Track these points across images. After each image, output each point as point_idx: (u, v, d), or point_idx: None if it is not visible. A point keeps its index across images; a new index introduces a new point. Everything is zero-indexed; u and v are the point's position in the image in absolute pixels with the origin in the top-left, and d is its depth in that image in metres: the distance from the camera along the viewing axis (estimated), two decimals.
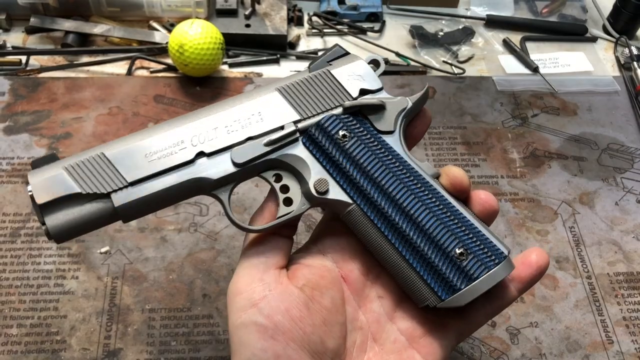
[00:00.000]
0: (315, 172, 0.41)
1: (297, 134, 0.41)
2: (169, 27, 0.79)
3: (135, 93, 0.73)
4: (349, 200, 0.40)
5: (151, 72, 0.76)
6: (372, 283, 0.43)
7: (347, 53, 0.46)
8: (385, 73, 0.78)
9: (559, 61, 0.83)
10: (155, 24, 0.79)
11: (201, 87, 0.74)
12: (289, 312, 0.38)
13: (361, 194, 0.40)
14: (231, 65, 0.77)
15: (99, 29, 0.77)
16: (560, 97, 0.78)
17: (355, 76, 0.44)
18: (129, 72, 0.75)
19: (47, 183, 0.38)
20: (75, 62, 0.75)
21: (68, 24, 0.76)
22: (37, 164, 0.40)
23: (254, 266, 0.40)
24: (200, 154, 0.40)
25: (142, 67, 0.76)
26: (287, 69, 0.78)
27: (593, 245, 0.64)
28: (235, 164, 0.40)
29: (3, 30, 0.77)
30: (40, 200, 0.38)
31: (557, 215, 0.66)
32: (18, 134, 0.68)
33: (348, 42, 0.82)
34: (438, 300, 0.39)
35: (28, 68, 0.74)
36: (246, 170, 0.41)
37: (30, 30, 0.77)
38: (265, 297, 0.38)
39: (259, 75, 0.77)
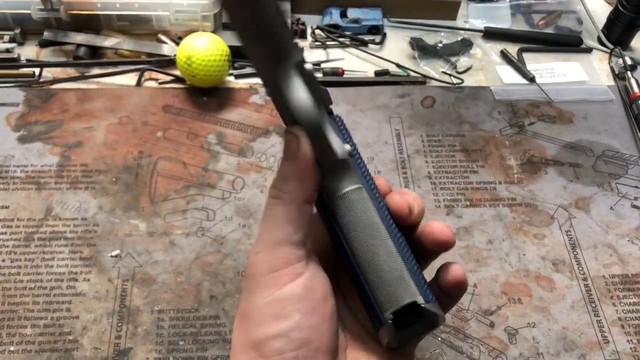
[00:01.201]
0: None
1: None
2: (177, 40, 0.81)
3: (144, 103, 0.75)
4: None
5: (160, 83, 0.78)
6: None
7: None
8: (386, 83, 0.81)
9: (555, 71, 0.85)
10: (163, 37, 0.82)
11: (208, 97, 0.77)
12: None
13: None
14: (237, 77, 0.80)
15: (109, 42, 0.80)
16: (557, 105, 0.80)
17: None
18: (139, 83, 0.78)
19: None
20: (86, 74, 0.78)
21: (80, 38, 0.79)
22: None
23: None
24: None
25: (151, 79, 0.79)
26: None
27: (589, 249, 0.66)
28: None
29: (18, 44, 0.80)
30: None
31: (553, 220, 0.68)
32: (32, 143, 0.70)
33: (350, 54, 0.85)
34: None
35: (41, 80, 0.77)
36: None
37: (44, 44, 0.80)
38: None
39: None
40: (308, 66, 0.35)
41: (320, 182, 0.36)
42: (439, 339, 0.58)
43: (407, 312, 0.35)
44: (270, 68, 0.33)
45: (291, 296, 0.34)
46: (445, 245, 0.38)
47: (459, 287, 0.38)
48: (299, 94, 0.34)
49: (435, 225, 0.38)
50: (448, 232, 0.38)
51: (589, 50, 0.89)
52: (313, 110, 0.34)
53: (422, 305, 0.35)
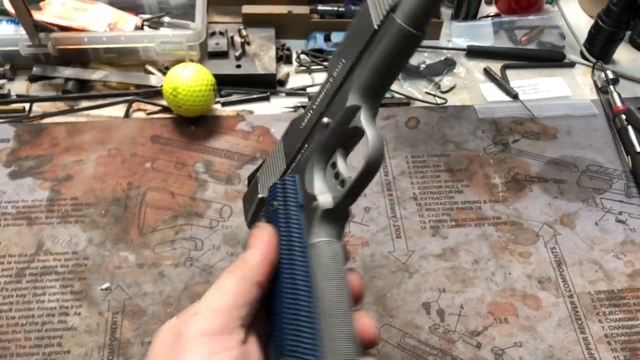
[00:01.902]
0: None
1: None
2: (164, 70, 0.83)
3: (132, 134, 0.77)
4: None
5: (148, 113, 0.80)
6: None
7: None
8: None
9: (538, 87, 0.86)
10: (150, 68, 0.84)
11: (195, 126, 0.78)
12: None
13: None
14: (224, 104, 0.81)
15: (97, 74, 0.81)
16: (540, 121, 0.81)
17: None
18: (127, 114, 0.79)
19: None
20: (75, 107, 0.79)
21: (68, 72, 0.81)
22: None
23: None
24: None
25: (139, 109, 0.80)
26: (278, 105, 0.82)
27: (574, 265, 0.67)
28: None
29: (8, 79, 0.82)
30: None
31: (538, 237, 0.69)
32: (22, 178, 0.72)
33: None
34: None
35: (31, 115, 0.78)
36: None
37: (33, 79, 0.82)
38: None
39: (251, 112, 0.81)
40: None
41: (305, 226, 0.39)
42: None
43: None
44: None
45: None
46: (366, 345, 0.38)
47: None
48: None
49: (366, 321, 0.38)
50: (372, 332, 0.38)
51: (572, 64, 0.90)
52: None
53: None
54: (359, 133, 0.39)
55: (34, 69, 0.80)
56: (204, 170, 0.73)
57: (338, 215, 0.39)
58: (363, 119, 0.37)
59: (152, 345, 0.36)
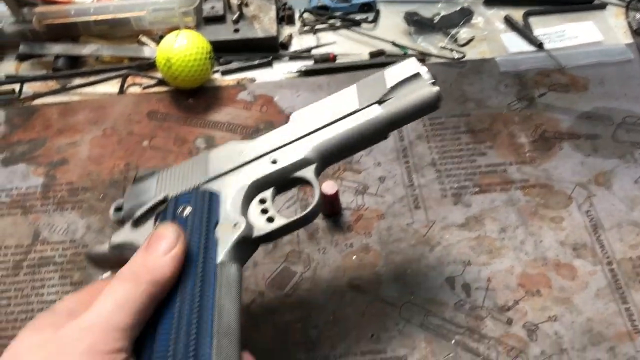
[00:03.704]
0: None
1: None
2: (159, 40, 0.77)
3: (128, 112, 0.72)
4: None
5: (143, 88, 0.75)
6: None
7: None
8: (382, 65, 0.76)
9: (565, 34, 0.78)
10: (144, 39, 0.78)
11: (194, 98, 0.73)
12: None
13: None
14: (223, 73, 0.76)
15: (88, 49, 0.76)
16: (569, 72, 0.74)
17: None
18: (121, 90, 0.74)
19: None
20: (67, 86, 0.75)
21: (57, 48, 0.76)
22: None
23: None
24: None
25: (134, 84, 0.75)
26: (281, 71, 0.76)
27: (612, 229, 0.61)
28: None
29: None
30: None
31: (571, 200, 0.63)
32: (15, 165, 0.68)
33: (342, 37, 0.80)
34: None
35: (22, 96, 0.74)
36: None
37: (22, 58, 0.77)
38: None
39: (252, 80, 0.75)
40: None
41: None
42: (452, 341, 0.54)
43: None
44: None
45: None
46: None
47: None
48: None
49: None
50: None
51: (602, 6, 0.82)
52: None
53: None
54: (299, 183, 0.44)
55: (21, 47, 0.76)
56: (205, 146, 0.69)
57: (252, 245, 0.41)
58: (313, 175, 0.43)
59: (14, 345, 0.33)
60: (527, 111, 0.70)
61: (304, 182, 0.44)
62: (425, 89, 0.45)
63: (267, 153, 0.44)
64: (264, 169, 0.43)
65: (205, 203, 0.41)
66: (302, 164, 0.43)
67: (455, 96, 0.72)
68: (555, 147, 0.67)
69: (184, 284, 0.37)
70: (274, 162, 0.43)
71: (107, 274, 0.58)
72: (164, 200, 0.42)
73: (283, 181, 0.44)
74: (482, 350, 0.54)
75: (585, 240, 0.60)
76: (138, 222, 0.41)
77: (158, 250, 0.36)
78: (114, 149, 0.69)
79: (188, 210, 0.41)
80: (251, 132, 0.69)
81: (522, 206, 0.63)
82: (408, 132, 0.69)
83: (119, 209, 0.45)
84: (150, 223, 0.41)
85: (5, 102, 0.73)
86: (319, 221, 0.62)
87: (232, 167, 0.44)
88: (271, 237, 0.42)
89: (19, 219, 0.64)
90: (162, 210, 0.42)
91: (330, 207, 0.61)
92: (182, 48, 0.68)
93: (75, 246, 0.62)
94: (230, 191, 0.42)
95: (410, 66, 0.46)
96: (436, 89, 0.45)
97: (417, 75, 0.46)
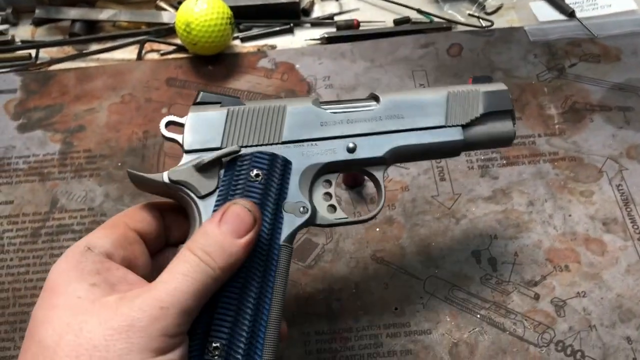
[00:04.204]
0: None
1: None
2: (177, 5, 0.75)
3: (146, 78, 0.70)
4: None
5: (161, 54, 0.73)
6: None
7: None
8: (407, 33, 0.74)
9: (598, 2, 0.76)
10: (162, 4, 0.76)
11: (213, 65, 0.71)
12: None
13: None
14: (243, 40, 0.73)
15: (105, 14, 0.74)
16: (601, 42, 0.71)
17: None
18: (139, 56, 0.73)
19: None
20: (84, 51, 0.73)
21: (74, 12, 0.74)
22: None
23: None
24: None
25: (153, 50, 0.74)
26: (302, 38, 0.74)
27: None
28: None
29: (10, 24, 0.76)
30: None
31: (602, 174, 0.61)
32: (32, 131, 0.67)
33: (366, 3, 0.77)
34: None
35: (38, 62, 0.72)
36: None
37: (38, 22, 0.76)
38: None
39: (273, 47, 0.73)
40: None
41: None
42: (478, 316, 0.53)
43: None
44: None
45: None
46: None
47: None
48: None
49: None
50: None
51: None
52: None
53: None
54: (365, 174, 0.44)
55: (37, 11, 0.74)
56: None
57: (305, 228, 0.40)
58: (382, 175, 0.43)
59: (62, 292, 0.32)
60: (556, 82, 0.68)
61: (370, 176, 0.43)
62: (508, 128, 0.45)
63: (347, 136, 0.42)
64: (340, 153, 0.41)
65: (279, 173, 0.39)
66: (378, 162, 0.43)
67: (482, 66, 0.70)
68: (585, 119, 0.65)
69: (249, 262, 0.36)
70: (352, 149, 0.41)
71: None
72: (236, 152, 0.38)
73: (351, 169, 0.43)
74: (508, 325, 0.53)
75: (615, 214, 0.58)
76: (204, 169, 0.38)
77: (234, 232, 0.34)
78: (132, 116, 0.67)
79: (262, 175, 0.38)
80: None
81: (550, 179, 0.61)
82: None
83: (172, 122, 0.41)
84: (216, 172, 0.38)
85: (21, 68, 0.72)
86: (342, 192, 0.60)
87: (310, 137, 0.41)
88: (332, 224, 0.42)
89: (37, 185, 0.63)
90: (231, 163, 0.39)
91: (353, 178, 0.60)
92: (202, 12, 0.66)
93: (93, 214, 0.61)
94: (302, 164, 0.40)
95: (505, 99, 0.45)
96: (515, 130, 0.46)
97: (508, 112, 0.45)
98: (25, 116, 0.68)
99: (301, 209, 0.39)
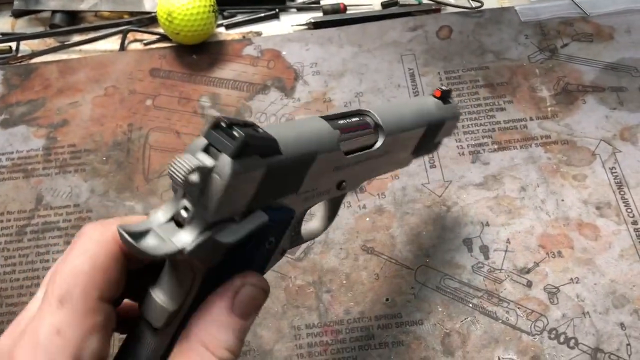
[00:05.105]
0: None
1: None
2: None
3: (130, 69, 0.69)
4: None
5: (145, 44, 0.71)
6: None
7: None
8: (395, 16, 0.72)
9: None
10: None
11: (197, 54, 0.69)
12: None
13: None
14: (227, 27, 0.72)
15: (85, 4, 0.72)
16: (593, 20, 0.70)
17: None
18: (122, 47, 0.71)
19: None
20: (66, 43, 0.71)
21: (54, 3, 0.72)
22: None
23: None
24: None
25: (136, 40, 0.72)
26: (288, 23, 0.72)
27: (638, 187, 0.58)
28: None
29: None
30: None
31: (595, 157, 0.60)
32: (15, 127, 0.65)
33: None
34: None
35: (19, 55, 0.71)
36: None
37: (17, 14, 0.74)
38: None
39: (258, 34, 0.71)
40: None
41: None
42: (470, 305, 0.52)
43: None
44: None
45: None
46: None
47: None
48: None
49: None
50: None
51: None
52: None
53: None
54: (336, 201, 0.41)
55: (15, 2, 0.72)
56: (210, 105, 0.66)
57: None
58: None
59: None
60: (548, 63, 0.66)
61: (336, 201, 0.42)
62: (453, 129, 0.51)
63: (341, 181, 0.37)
64: (332, 191, 0.37)
65: (285, 228, 0.33)
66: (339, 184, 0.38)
67: (472, 48, 0.68)
68: (578, 100, 0.64)
69: None
70: (343, 187, 0.37)
71: None
72: (264, 223, 0.30)
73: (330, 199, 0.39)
74: (501, 313, 0.52)
75: (609, 198, 0.57)
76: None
77: (246, 315, 0.30)
78: (116, 109, 0.66)
79: (275, 241, 0.32)
80: (259, 90, 0.66)
81: (543, 164, 0.60)
82: (423, 86, 0.66)
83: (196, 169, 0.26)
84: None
85: (2, 61, 0.70)
86: None
87: (321, 184, 0.36)
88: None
89: (21, 182, 0.62)
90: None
91: None
92: (184, 1, 0.64)
93: (79, 211, 0.60)
94: (301, 210, 0.35)
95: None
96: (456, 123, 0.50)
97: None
98: (7, 111, 0.66)
99: (282, 250, 0.34)
